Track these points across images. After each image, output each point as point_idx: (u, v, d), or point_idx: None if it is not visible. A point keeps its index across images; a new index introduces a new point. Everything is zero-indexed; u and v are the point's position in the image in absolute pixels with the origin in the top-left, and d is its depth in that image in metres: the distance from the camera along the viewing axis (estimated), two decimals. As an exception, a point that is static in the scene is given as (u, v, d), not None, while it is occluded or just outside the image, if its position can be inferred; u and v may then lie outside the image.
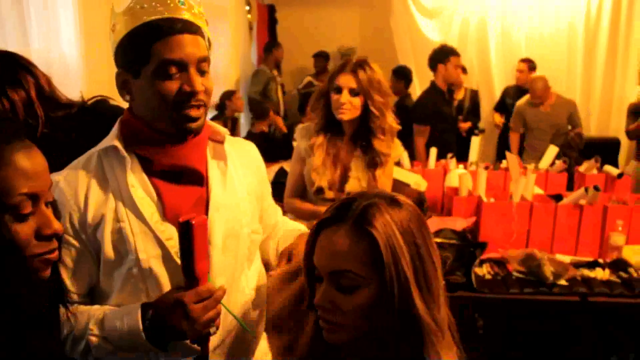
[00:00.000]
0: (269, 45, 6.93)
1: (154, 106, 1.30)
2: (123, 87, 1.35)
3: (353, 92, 2.45)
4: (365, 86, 2.43)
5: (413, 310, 1.02)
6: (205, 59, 1.32)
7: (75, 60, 2.98)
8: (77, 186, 1.33)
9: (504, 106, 6.16)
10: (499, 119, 6.14)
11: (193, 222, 1.18)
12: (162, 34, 1.26)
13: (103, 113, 1.62)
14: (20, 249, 0.95)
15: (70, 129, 1.54)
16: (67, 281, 1.32)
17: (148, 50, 1.26)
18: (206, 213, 1.38)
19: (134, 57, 1.29)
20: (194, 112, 1.30)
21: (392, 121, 2.51)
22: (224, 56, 6.08)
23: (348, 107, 2.45)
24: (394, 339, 1.05)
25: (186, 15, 1.29)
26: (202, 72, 1.32)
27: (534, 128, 5.26)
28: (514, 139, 5.50)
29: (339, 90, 2.46)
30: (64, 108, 1.58)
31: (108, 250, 1.31)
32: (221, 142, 1.45)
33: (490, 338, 2.82)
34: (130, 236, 1.31)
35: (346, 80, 2.45)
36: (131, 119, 1.36)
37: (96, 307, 1.34)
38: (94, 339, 1.27)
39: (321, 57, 7.03)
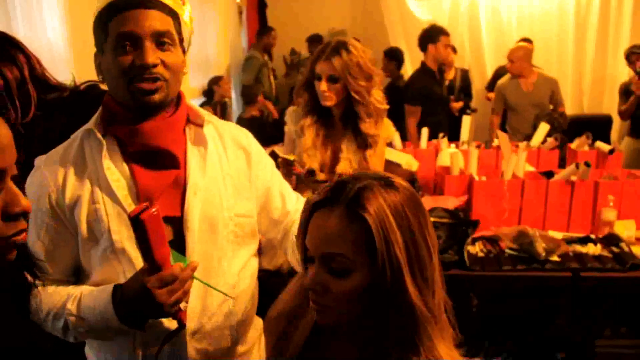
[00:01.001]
0: (261, 31, 6.90)
1: (113, 81, 1.33)
2: (98, 67, 1.38)
3: (332, 79, 2.42)
4: (343, 72, 2.39)
5: (406, 296, 1.00)
6: (165, 33, 1.32)
7: (61, 48, 2.96)
8: (57, 169, 1.36)
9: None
10: (492, 95, 5.99)
11: (142, 217, 1.16)
12: (118, 10, 1.30)
13: (96, 98, 1.61)
14: None
15: (63, 112, 1.55)
16: (48, 262, 1.35)
17: (106, 27, 1.31)
18: (183, 196, 1.38)
19: (98, 35, 1.34)
20: (147, 85, 1.30)
21: (377, 102, 2.46)
22: (214, 42, 6.05)
23: (328, 94, 2.43)
24: (386, 324, 1.03)
25: None
26: (163, 46, 1.32)
27: (515, 108, 5.09)
28: (495, 121, 5.34)
29: (319, 78, 2.44)
30: (56, 90, 1.57)
31: (84, 231, 1.34)
32: (201, 125, 1.45)
33: (483, 316, 2.83)
34: (105, 217, 1.33)
35: (324, 67, 2.42)
36: (109, 99, 1.39)
37: (75, 286, 1.37)
38: (72, 318, 1.30)
39: (315, 42, 6.99)
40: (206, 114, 1.47)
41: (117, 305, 1.25)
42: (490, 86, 6.13)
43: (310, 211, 1.08)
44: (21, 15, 2.72)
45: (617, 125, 6.09)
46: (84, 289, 1.33)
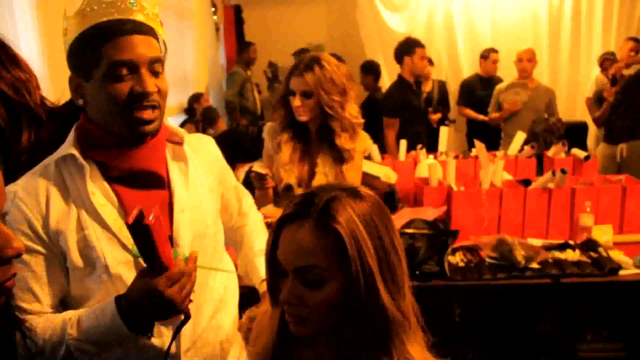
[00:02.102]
0: (241, 47, 6.92)
1: (106, 109, 1.29)
2: (76, 91, 1.33)
3: (305, 94, 2.42)
4: (316, 87, 2.39)
5: (379, 302, 1.02)
6: (158, 60, 1.31)
7: (36, 65, 2.94)
8: (38, 194, 1.30)
9: (471, 98, 5.90)
10: (473, 114, 5.80)
11: (147, 223, 1.13)
12: (111, 35, 1.25)
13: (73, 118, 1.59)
14: None
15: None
16: (40, 290, 1.29)
17: (98, 53, 1.25)
18: (171, 216, 1.37)
19: (85, 60, 1.27)
20: (147, 115, 1.29)
21: (352, 116, 2.47)
22: (192, 59, 6.05)
23: (303, 110, 2.44)
24: (360, 330, 1.05)
25: (137, 17, 1.29)
26: (156, 73, 1.31)
27: (514, 114, 5.11)
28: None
29: (293, 94, 2.45)
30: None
31: (76, 259, 1.29)
32: (180, 143, 1.44)
33: (466, 325, 2.84)
34: (96, 243, 1.29)
35: (297, 83, 2.43)
36: (86, 124, 1.34)
37: (64, 313, 1.31)
38: (74, 342, 1.24)
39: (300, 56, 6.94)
40: (183, 132, 1.47)
41: (124, 316, 1.21)
42: (462, 100, 6.05)
43: (279, 226, 1.08)
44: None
45: (593, 132, 6.18)
46: (80, 312, 1.28)
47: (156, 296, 1.18)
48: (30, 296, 1.28)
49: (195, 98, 5.58)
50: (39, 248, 1.29)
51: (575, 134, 5.27)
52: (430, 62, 5.93)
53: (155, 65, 1.30)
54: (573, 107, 6.73)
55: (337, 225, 1.00)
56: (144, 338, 1.25)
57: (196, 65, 6.15)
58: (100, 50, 1.25)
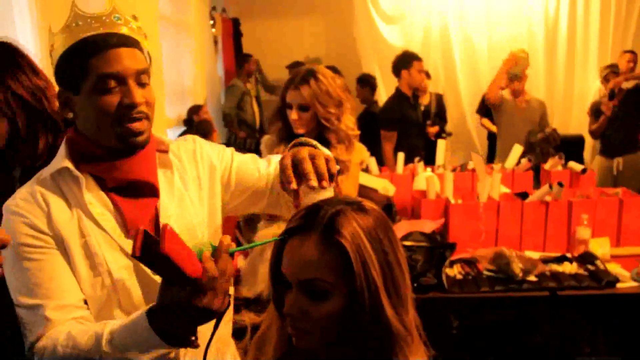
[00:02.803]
0: (240, 59, 6.94)
1: (96, 122, 1.30)
2: (65, 105, 1.34)
3: (302, 108, 2.44)
4: (311, 100, 2.42)
5: (382, 316, 1.02)
6: (145, 71, 1.32)
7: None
8: (38, 200, 1.30)
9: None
10: (489, 124, 5.75)
11: (166, 250, 1.01)
12: (98, 49, 1.27)
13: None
14: None
15: None
16: (67, 281, 1.28)
17: (85, 66, 1.27)
18: (158, 223, 1.37)
19: (73, 73, 1.29)
20: (137, 126, 1.30)
21: (348, 128, 2.48)
22: (190, 71, 6.07)
23: (300, 123, 2.46)
24: (363, 344, 1.05)
25: (122, 30, 1.30)
26: (142, 85, 1.31)
27: (509, 124, 5.01)
28: (488, 123, 5.39)
29: (290, 107, 2.48)
30: None
31: (80, 263, 1.30)
32: (165, 151, 1.44)
33: (465, 337, 2.84)
34: (98, 249, 1.30)
35: (293, 96, 2.45)
36: (77, 137, 1.35)
37: (95, 325, 1.26)
38: (110, 358, 1.20)
39: (295, 69, 6.95)
40: (168, 141, 1.47)
41: (160, 331, 1.15)
42: (482, 110, 6.02)
43: (283, 239, 1.09)
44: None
45: (589, 145, 6.20)
46: (111, 326, 1.22)
47: (194, 309, 1.10)
48: (59, 291, 1.28)
49: (195, 110, 5.60)
50: (51, 245, 1.29)
51: (571, 147, 5.29)
52: (428, 75, 5.95)
53: (142, 77, 1.31)
54: (568, 120, 6.76)
55: (342, 239, 1.01)
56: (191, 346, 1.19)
57: (194, 78, 6.17)
58: (88, 63, 1.27)
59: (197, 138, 1.56)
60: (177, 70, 5.60)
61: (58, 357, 1.21)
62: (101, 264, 1.30)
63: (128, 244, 1.31)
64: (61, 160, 1.33)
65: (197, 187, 1.48)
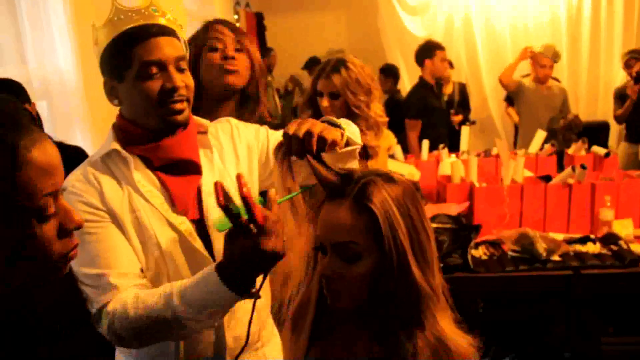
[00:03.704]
0: (262, 53, 7.03)
1: (140, 105, 1.41)
2: (111, 93, 1.45)
3: (333, 95, 2.53)
4: (342, 89, 2.50)
5: (410, 277, 1.10)
6: (183, 58, 1.43)
7: (72, 76, 3.06)
8: (90, 180, 1.41)
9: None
10: (514, 114, 5.70)
11: (244, 194, 1.14)
12: (140, 39, 1.38)
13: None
14: (47, 254, 0.89)
15: None
16: (125, 252, 1.38)
17: (129, 55, 1.38)
18: (201, 199, 1.48)
19: (117, 63, 1.40)
20: (178, 106, 1.41)
21: (377, 115, 2.56)
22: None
23: (331, 110, 2.53)
24: (393, 304, 1.12)
25: (161, 21, 1.41)
26: (181, 70, 1.42)
27: (531, 110, 5.08)
28: (513, 113, 5.36)
29: (320, 95, 2.57)
30: None
31: (132, 237, 1.40)
32: (205, 132, 1.55)
33: (490, 320, 2.89)
34: (147, 222, 1.41)
35: (325, 85, 2.54)
36: (123, 122, 1.47)
37: (158, 289, 1.35)
38: (184, 314, 1.28)
39: (314, 66, 7.03)
40: (207, 123, 1.57)
41: (230, 284, 1.23)
42: (509, 98, 6.00)
43: (319, 205, 1.18)
44: (32, 46, 2.84)
45: (614, 131, 6.19)
46: (179, 287, 1.30)
47: (262, 254, 1.18)
48: (118, 260, 1.37)
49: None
50: (106, 219, 1.40)
51: (596, 134, 5.29)
52: (451, 65, 6.00)
53: (181, 63, 1.42)
54: (594, 107, 6.74)
55: (373, 205, 1.09)
56: (250, 298, 1.28)
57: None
58: (131, 52, 1.37)
59: (232, 119, 1.66)
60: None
61: (129, 318, 1.31)
62: (151, 237, 1.41)
63: (175, 218, 1.43)
64: (110, 143, 1.45)
65: (235, 164, 1.57)
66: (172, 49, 1.40)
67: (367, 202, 1.10)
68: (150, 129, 1.43)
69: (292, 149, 1.27)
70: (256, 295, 1.28)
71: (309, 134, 1.24)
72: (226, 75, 2.01)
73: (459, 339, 1.15)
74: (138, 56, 1.37)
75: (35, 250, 0.87)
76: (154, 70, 1.38)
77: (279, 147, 1.33)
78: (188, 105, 1.45)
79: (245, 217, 1.16)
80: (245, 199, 1.15)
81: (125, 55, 1.38)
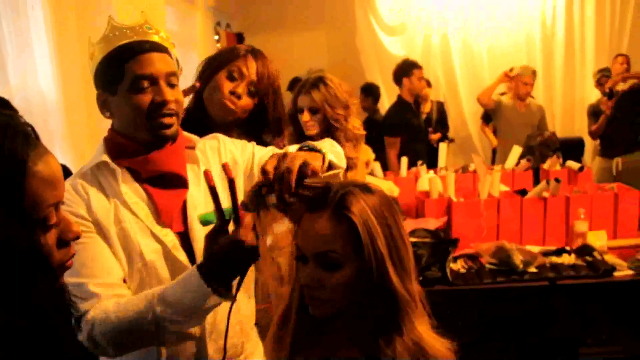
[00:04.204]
0: None
1: (131, 118, 1.45)
2: (103, 106, 1.49)
3: (312, 111, 2.63)
4: (321, 104, 2.60)
5: (389, 284, 1.14)
6: (174, 74, 1.48)
7: (53, 95, 3.07)
8: (79, 191, 1.46)
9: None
10: (490, 135, 5.86)
11: (231, 176, 1.27)
12: (133, 54, 1.43)
13: None
14: (49, 262, 0.92)
15: None
16: (108, 263, 1.41)
17: (122, 69, 1.43)
18: (186, 213, 1.51)
19: (111, 76, 1.44)
20: (167, 120, 1.45)
21: (355, 128, 2.66)
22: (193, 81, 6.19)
23: (311, 124, 2.64)
24: (373, 311, 1.16)
25: (154, 38, 1.47)
26: (172, 85, 1.47)
27: (509, 128, 5.17)
28: (486, 129, 5.39)
29: (301, 110, 2.67)
30: None
31: (116, 248, 1.43)
32: (193, 147, 1.59)
33: (469, 328, 2.92)
34: (132, 234, 1.44)
35: (304, 100, 2.65)
36: (113, 134, 1.51)
37: (140, 294, 1.39)
38: (164, 315, 1.32)
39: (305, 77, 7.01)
40: (195, 138, 1.62)
41: (209, 281, 1.29)
42: (486, 117, 6.00)
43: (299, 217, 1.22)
44: (13, 64, 2.85)
45: (589, 147, 6.31)
46: (159, 290, 1.36)
47: (240, 247, 1.26)
48: (102, 270, 1.40)
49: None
50: (92, 229, 1.43)
51: (572, 150, 5.40)
52: (428, 83, 6.10)
53: (172, 78, 1.47)
54: (570, 124, 6.88)
55: (352, 214, 1.13)
56: (228, 300, 1.33)
57: (200, 92, 6.30)
58: (124, 67, 1.42)
59: (220, 135, 1.71)
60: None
61: (110, 323, 1.33)
62: (135, 248, 1.44)
63: (159, 230, 1.46)
64: (100, 155, 1.49)
65: (222, 179, 1.57)
66: (163, 65, 1.45)
67: (346, 212, 1.13)
68: (140, 141, 1.47)
69: (274, 188, 1.25)
70: (233, 298, 1.32)
71: (288, 171, 1.21)
72: (222, 107, 1.98)
73: (437, 344, 1.18)
74: (131, 70, 1.42)
75: (39, 258, 0.90)
76: (145, 84, 1.42)
77: (256, 186, 1.29)
78: (177, 120, 1.49)
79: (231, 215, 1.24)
80: (232, 182, 1.25)
81: (119, 69, 1.43)
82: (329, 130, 2.64)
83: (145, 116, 1.43)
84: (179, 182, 1.52)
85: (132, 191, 1.48)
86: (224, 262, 1.29)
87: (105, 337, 1.34)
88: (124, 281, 1.44)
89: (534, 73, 5.20)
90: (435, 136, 5.78)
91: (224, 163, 1.27)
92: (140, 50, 1.43)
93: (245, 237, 1.27)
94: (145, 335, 1.36)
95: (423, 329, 1.18)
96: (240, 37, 7.69)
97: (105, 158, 1.47)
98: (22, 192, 0.86)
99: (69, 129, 3.15)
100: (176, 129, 1.49)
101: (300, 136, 2.69)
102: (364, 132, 2.72)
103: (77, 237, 0.97)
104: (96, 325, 1.34)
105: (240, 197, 1.41)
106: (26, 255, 0.88)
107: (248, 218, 1.28)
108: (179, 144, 1.54)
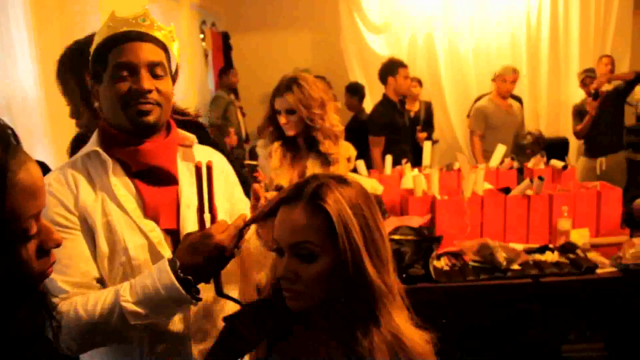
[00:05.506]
0: (222, 71, 7.05)
1: (110, 105, 1.46)
2: (94, 96, 1.51)
3: (289, 112, 2.70)
4: (296, 105, 2.66)
5: (365, 275, 1.14)
6: (159, 64, 1.47)
7: (34, 92, 3.04)
8: (68, 182, 1.45)
9: None
10: (478, 145, 5.57)
11: (208, 164, 1.34)
12: (117, 43, 1.44)
13: None
14: (27, 273, 0.87)
15: None
16: (84, 264, 1.41)
17: (106, 58, 1.44)
18: (178, 211, 1.51)
19: (97, 66, 1.46)
20: (144, 107, 1.44)
21: (332, 125, 2.71)
22: (181, 85, 6.17)
23: (289, 125, 2.71)
24: (350, 302, 1.15)
25: (141, 29, 1.46)
26: (156, 76, 1.46)
27: (497, 127, 5.14)
28: (478, 144, 5.27)
29: (278, 112, 2.73)
30: None
31: (102, 241, 1.43)
32: (189, 146, 1.59)
33: (454, 328, 2.92)
34: (118, 228, 1.44)
35: (281, 103, 2.71)
36: (103, 123, 1.51)
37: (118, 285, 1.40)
38: (127, 305, 1.33)
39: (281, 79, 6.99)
40: (193, 138, 1.62)
41: (178, 273, 1.32)
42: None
43: (275, 209, 1.22)
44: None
45: (574, 147, 6.35)
46: (132, 280, 1.39)
47: (208, 240, 1.31)
48: (76, 270, 1.40)
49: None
50: (76, 226, 1.43)
51: (556, 150, 5.41)
52: (420, 83, 6.13)
53: (156, 69, 1.46)
54: (555, 124, 6.90)
55: (326, 205, 1.14)
56: (191, 301, 1.34)
57: (185, 92, 6.27)
58: (108, 56, 1.44)
59: (221, 155, 1.74)
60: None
61: (76, 316, 1.33)
62: (119, 242, 1.43)
63: (146, 224, 1.46)
64: (92, 145, 1.50)
65: (219, 191, 1.57)
66: (145, 53, 1.44)
67: (321, 202, 1.14)
68: (124, 130, 1.47)
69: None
70: (197, 299, 1.34)
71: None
72: None
73: (415, 336, 1.18)
74: (112, 59, 1.43)
75: (16, 271, 0.85)
76: (125, 72, 1.43)
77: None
78: (160, 110, 1.47)
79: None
80: (208, 169, 1.31)
81: (104, 59, 1.44)
82: (307, 129, 2.70)
83: (121, 104, 1.43)
84: (168, 179, 1.52)
85: (121, 184, 1.48)
86: (193, 256, 1.31)
87: (72, 331, 1.34)
88: (100, 281, 1.44)
89: (514, 71, 5.22)
90: (422, 135, 5.77)
91: (197, 163, 1.33)
92: (124, 40, 1.43)
93: (216, 234, 1.30)
94: (108, 329, 1.34)
95: (401, 321, 1.18)
96: (225, 36, 7.67)
97: (97, 148, 1.47)
98: (2, 205, 0.80)
99: (49, 125, 3.13)
100: (156, 118, 1.47)
101: (279, 136, 2.77)
102: (342, 128, 2.76)
103: (58, 245, 0.93)
104: (63, 320, 1.33)
105: (218, 197, 1.45)
106: (3, 269, 0.84)
107: (224, 219, 1.33)
108: (172, 139, 1.54)
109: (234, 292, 1.56)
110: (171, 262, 1.33)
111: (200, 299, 1.35)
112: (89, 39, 1.59)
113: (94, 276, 1.43)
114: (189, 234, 1.37)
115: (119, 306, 1.33)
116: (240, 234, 1.38)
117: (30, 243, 0.87)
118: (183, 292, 1.31)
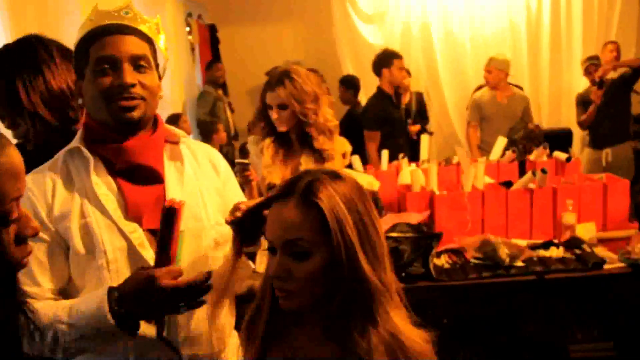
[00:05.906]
0: (207, 66, 6.91)
1: (93, 101, 1.43)
2: (79, 92, 1.49)
3: (281, 107, 2.61)
4: (288, 100, 2.58)
5: (360, 272, 1.11)
6: (142, 57, 1.43)
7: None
8: (45, 184, 1.42)
9: None
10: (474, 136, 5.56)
11: (177, 207, 1.29)
12: (97, 36, 1.42)
13: None
14: (6, 258, 0.90)
15: None
16: (41, 277, 1.39)
17: (87, 53, 1.42)
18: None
19: (79, 61, 1.45)
20: (125, 103, 1.40)
21: (326, 120, 2.63)
22: (168, 79, 6.03)
23: (281, 121, 2.63)
24: (345, 302, 1.12)
25: (124, 21, 1.43)
26: (140, 69, 1.43)
27: (490, 119, 5.11)
28: (473, 135, 5.25)
29: (270, 107, 2.64)
30: None
31: (78, 245, 1.39)
32: (176, 142, 1.55)
33: (455, 326, 2.83)
34: (97, 230, 1.40)
35: (272, 98, 2.63)
36: (88, 119, 1.48)
37: (65, 300, 1.39)
38: (62, 326, 1.30)
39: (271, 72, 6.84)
40: (182, 133, 1.58)
41: (112, 304, 1.28)
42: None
43: (267, 205, 1.23)
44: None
45: (577, 138, 6.20)
46: (75, 299, 1.37)
47: (151, 284, 1.27)
48: (31, 281, 1.38)
49: (174, 119, 5.53)
50: (44, 236, 1.39)
51: (559, 141, 5.28)
52: (408, 73, 5.96)
53: (140, 62, 1.42)
54: (557, 114, 6.77)
55: (319, 201, 1.11)
56: (126, 335, 1.31)
57: (172, 86, 6.13)
58: (89, 50, 1.42)
59: (216, 152, 1.70)
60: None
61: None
62: (98, 243, 1.39)
63: (126, 225, 1.43)
64: (75, 141, 1.47)
65: (208, 187, 1.57)
66: (127, 46, 1.41)
67: (314, 198, 1.11)
68: (107, 125, 1.44)
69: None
70: (133, 334, 1.31)
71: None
72: None
73: (414, 335, 1.16)
74: (93, 53, 1.41)
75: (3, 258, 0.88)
76: (106, 66, 1.40)
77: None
78: (145, 105, 1.43)
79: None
80: (173, 211, 1.29)
81: (85, 53, 1.42)
82: (300, 124, 2.62)
83: (103, 99, 1.40)
84: (154, 177, 1.48)
85: (103, 182, 1.44)
86: (131, 294, 1.28)
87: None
88: (60, 292, 1.42)
89: (505, 62, 5.12)
90: (414, 128, 5.63)
91: (181, 202, 1.31)
92: (104, 33, 1.41)
93: (160, 278, 1.27)
94: (45, 342, 1.31)
95: (399, 320, 1.15)
96: (213, 29, 7.51)
97: (79, 144, 1.45)
98: None
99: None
100: (141, 114, 1.44)
101: (272, 131, 2.69)
102: (336, 123, 2.68)
103: (36, 234, 0.95)
104: None
105: (184, 246, 1.41)
106: None
107: (177, 268, 1.31)
108: (158, 135, 1.51)
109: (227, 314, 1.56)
110: (110, 294, 1.30)
111: (136, 335, 1.32)
112: (21, 43, 1.62)
113: (49, 288, 1.40)
114: (141, 269, 1.33)
115: (54, 325, 1.31)
116: (203, 288, 1.33)
117: (10, 227, 0.89)
118: (113, 324, 1.28)
